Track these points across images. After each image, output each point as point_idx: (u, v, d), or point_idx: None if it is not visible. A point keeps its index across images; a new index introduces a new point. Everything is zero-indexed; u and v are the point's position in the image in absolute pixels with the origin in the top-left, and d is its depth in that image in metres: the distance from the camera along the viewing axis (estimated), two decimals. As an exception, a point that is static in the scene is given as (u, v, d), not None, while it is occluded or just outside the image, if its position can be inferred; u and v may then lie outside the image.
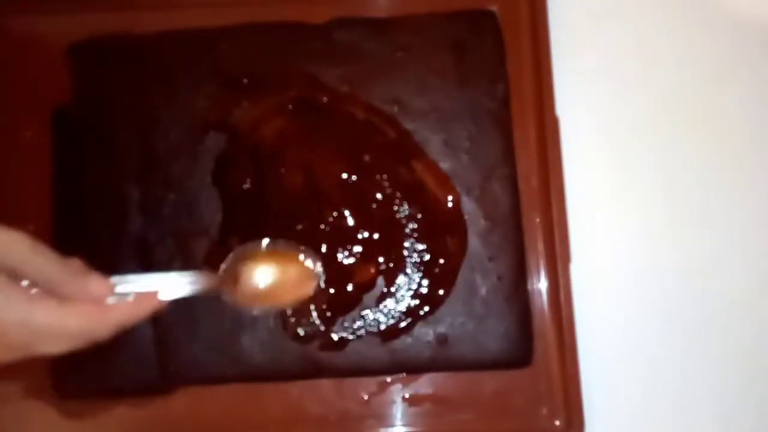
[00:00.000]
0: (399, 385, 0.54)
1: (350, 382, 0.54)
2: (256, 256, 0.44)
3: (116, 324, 0.38)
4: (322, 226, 0.54)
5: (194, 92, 0.56)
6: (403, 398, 0.54)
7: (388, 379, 0.54)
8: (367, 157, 0.55)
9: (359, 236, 0.54)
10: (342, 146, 0.55)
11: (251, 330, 0.53)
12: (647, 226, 0.56)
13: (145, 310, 0.39)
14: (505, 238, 0.54)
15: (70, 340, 0.36)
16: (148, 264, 0.54)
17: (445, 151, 0.55)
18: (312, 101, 0.56)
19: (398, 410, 0.54)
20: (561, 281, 0.53)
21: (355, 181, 0.55)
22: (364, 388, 0.54)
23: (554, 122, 0.54)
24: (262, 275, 0.44)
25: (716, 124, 0.58)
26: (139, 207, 0.55)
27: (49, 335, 0.36)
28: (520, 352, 0.53)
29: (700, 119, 0.58)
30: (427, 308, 0.54)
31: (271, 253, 0.45)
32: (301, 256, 0.45)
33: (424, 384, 0.54)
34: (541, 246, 0.55)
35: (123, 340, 0.52)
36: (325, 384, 0.54)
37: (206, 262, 0.54)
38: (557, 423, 0.53)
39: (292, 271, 0.45)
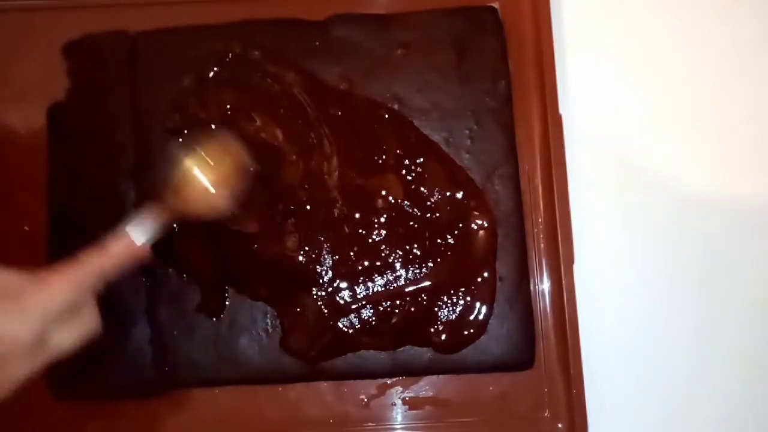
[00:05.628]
0: (399, 388, 0.54)
1: (349, 385, 0.54)
2: (188, 163, 0.45)
3: (94, 275, 0.38)
4: (322, 227, 0.53)
5: (191, 90, 0.55)
6: (403, 401, 0.54)
7: (388, 382, 0.54)
8: (367, 155, 0.54)
9: (359, 234, 0.53)
10: (342, 145, 0.54)
11: (249, 332, 0.53)
12: (651, 227, 0.56)
13: (121, 252, 0.39)
14: (507, 238, 0.54)
15: (70, 317, 0.37)
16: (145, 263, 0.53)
17: (446, 149, 0.55)
18: (310, 99, 0.55)
19: (398, 413, 0.53)
20: (564, 282, 0.52)
21: (356, 179, 0.54)
22: (363, 390, 0.54)
23: (557, 120, 0.54)
24: (200, 172, 0.45)
25: (720, 123, 0.57)
26: (135, 206, 0.54)
27: (49, 316, 0.36)
28: (522, 354, 0.53)
29: (705, 118, 0.57)
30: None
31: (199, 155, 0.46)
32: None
33: (425, 386, 0.54)
34: (543, 246, 0.54)
35: (120, 342, 0.53)
36: (324, 386, 0.54)
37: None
38: (560, 426, 0.53)
39: (224, 157, 0.46)
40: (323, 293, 0.53)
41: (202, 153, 0.45)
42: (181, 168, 0.45)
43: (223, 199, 0.45)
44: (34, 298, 0.35)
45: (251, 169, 0.47)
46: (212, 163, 0.45)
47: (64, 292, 0.36)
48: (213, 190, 0.45)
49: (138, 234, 0.40)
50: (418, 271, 0.53)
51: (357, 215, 0.53)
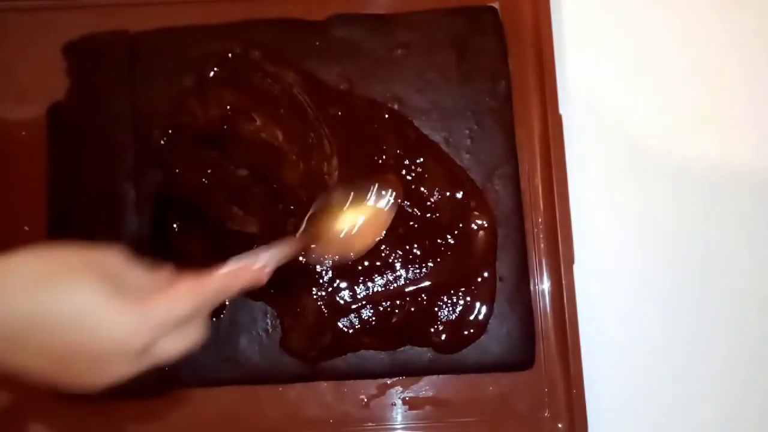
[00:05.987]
0: (399, 388, 0.54)
1: (349, 385, 0.54)
2: (329, 209, 0.46)
3: (218, 291, 0.36)
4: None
5: (191, 90, 0.55)
6: (403, 401, 0.54)
7: (388, 382, 0.54)
8: (367, 155, 0.54)
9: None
10: (342, 145, 0.54)
11: (249, 332, 0.53)
12: (651, 226, 0.56)
13: (243, 278, 0.38)
14: (507, 238, 0.54)
15: (180, 327, 0.35)
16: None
17: (446, 149, 0.55)
18: (310, 99, 0.55)
19: (398, 413, 0.53)
20: (564, 282, 0.52)
21: (356, 179, 0.54)
22: (363, 390, 0.54)
23: (557, 120, 0.53)
24: (341, 223, 0.46)
25: (720, 123, 0.57)
26: (135, 206, 0.54)
27: (165, 326, 0.33)
28: (522, 354, 0.53)
29: (705, 117, 0.57)
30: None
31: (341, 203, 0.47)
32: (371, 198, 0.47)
33: (425, 386, 0.54)
34: (543, 246, 0.54)
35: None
36: (324, 386, 0.54)
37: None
38: (560, 426, 0.53)
39: (366, 212, 0.47)
40: (323, 293, 0.53)
41: (357, 202, 0.46)
42: (331, 206, 0.46)
43: (353, 250, 0.46)
44: (155, 305, 0.33)
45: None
46: (361, 215, 0.46)
47: (184, 306, 0.34)
48: (350, 238, 0.45)
49: (265, 259, 0.39)
50: (418, 271, 0.53)
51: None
